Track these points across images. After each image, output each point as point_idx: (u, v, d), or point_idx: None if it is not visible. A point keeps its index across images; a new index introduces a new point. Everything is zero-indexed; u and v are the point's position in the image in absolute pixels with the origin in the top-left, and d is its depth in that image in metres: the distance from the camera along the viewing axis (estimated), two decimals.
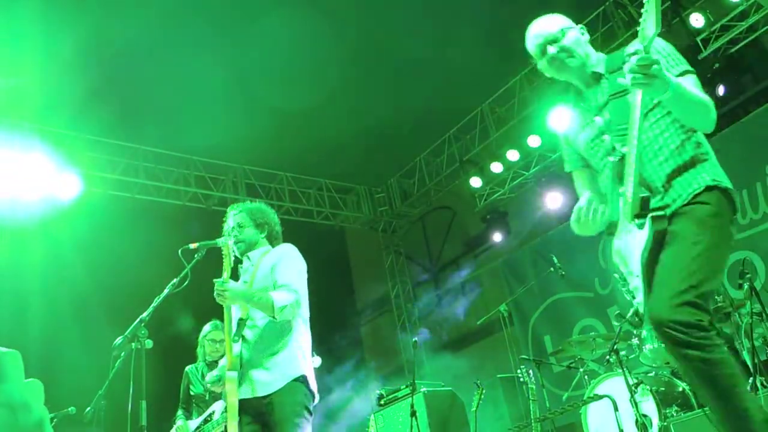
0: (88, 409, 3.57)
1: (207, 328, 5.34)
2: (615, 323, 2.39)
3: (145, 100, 7.81)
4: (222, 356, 5.13)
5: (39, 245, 7.77)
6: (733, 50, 7.36)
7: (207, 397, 5.13)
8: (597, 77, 2.70)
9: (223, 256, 3.45)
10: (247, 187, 9.70)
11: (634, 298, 2.52)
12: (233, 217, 3.72)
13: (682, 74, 2.51)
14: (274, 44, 7.51)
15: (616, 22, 7.97)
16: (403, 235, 11.75)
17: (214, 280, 3.32)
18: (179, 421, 5.10)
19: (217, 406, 4.92)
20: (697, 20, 7.32)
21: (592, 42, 8.19)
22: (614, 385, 5.01)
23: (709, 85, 7.71)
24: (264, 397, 3.28)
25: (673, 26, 7.64)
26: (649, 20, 2.30)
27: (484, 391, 6.06)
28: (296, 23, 7.30)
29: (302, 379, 3.31)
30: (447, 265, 11.15)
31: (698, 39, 7.37)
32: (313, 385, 3.40)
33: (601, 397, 4.94)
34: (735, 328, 4.89)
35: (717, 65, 7.42)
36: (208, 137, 8.64)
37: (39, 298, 7.67)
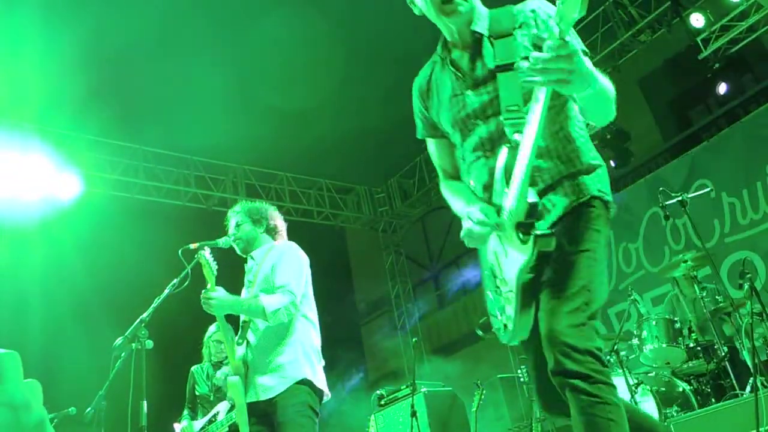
0: (89, 409, 3.57)
1: (212, 328, 5.35)
2: (479, 332, 2.00)
3: (145, 100, 7.81)
4: (227, 357, 5.16)
5: (39, 245, 7.78)
6: (733, 50, 7.37)
7: (212, 398, 5.15)
8: (477, 39, 2.15)
9: (202, 267, 3.42)
10: (247, 188, 9.70)
11: (501, 308, 2.17)
12: (233, 217, 3.73)
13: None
14: (273, 45, 7.52)
15: (616, 22, 7.97)
16: (404, 235, 11.75)
17: (202, 292, 3.33)
18: (184, 422, 5.11)
19: (221, 407, 4.92)
20: (697, 20, 7.32)
21: (593, 41, 8.19)
22: (614, 378, 4.99)
23: (710, 85, 7.73)
24: (269, 400, 3.28)
25: (673, 26, 7.65)
26: None
27: (484, 392, 6.06)
28: (296, 23, 7.30)
29: (305, 382, 3.30)
30: (447, 265, 11.15)
31: (698, 39, 7.37)
32: (320, 384, 3.38)
33: None
34: (735, 328, 4.90)
35: (717, 65, 7.43)
36: (208, 137, 8.65)
37: (39, 298, 7.68)
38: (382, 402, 6.75)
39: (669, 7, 7.54)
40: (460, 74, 2.20)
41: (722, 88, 7.52)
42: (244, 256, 3.68)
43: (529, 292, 2.06)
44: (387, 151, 9.97)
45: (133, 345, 3.16)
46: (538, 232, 1.95)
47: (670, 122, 8.58)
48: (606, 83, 1.95)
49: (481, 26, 2.15)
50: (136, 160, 8.77)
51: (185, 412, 5.22)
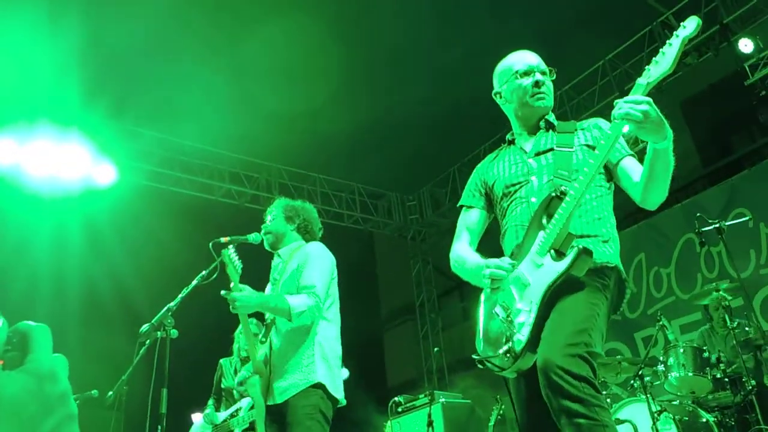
0: (110, 393, 3.62)
1: None
2: (476, 357, 2.15)
3: (183, 94, 7.91)
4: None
5: (79, 222, 8.00)
6: None
7: (235, 393, 5.20)
8: (548, 126, 2.68)
9: (226, 265, 3.35)
10: (280, 187, 9.78)
11: (513, 335, 2.34)
12: (270, 211, 3.75)
13: (630, 155, 2.53)
14: (311, 43, 7.54)
15: (663, 42, 7.84)
16: (432, 244, 11.72)
17: (222, 292, 3.27)
18: (207, 410, 5.19)
19: (243, 403, 4.97)
20: (746, 46, 7.18)
21: (638, 61, 8.12)
22: (636, 410, 4.92)
23: (755, 112, 7.57)
24: (284, 402, 3.28)
25: (720, 50, 7.52)
26: (669, 56, 2.24)
27: (503, 407, 6.00)
28: (332, 26, 7.33)
29: (319, 386, 3.28)
30: None
31: (746, 65, 7.23)
32: (335, 391, 3.35)
33: (622, 422, 4.86)
34: (764, 362, 4.79)
35: (764, 93, 7.27)
36: (244, 135, 8.74)
37: (77, 274, 7.90)
38: (399, 409, 6.74)
39: (717, 30, 7.41)
40: (523, 151, 2.67)
41: None
42: (272, 251, 3.70)
43: (545, 313, 2.26)
44: (421, 158, 9.97)
45: (159, 333, 3.18)
46: (582, 246, 2.25)
47: (711, 148, 8.42)
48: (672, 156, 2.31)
49: (553, 120, 2.70)
50: (173, 152, 8.90)
51: (210, 401, 5.28)
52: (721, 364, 5.00)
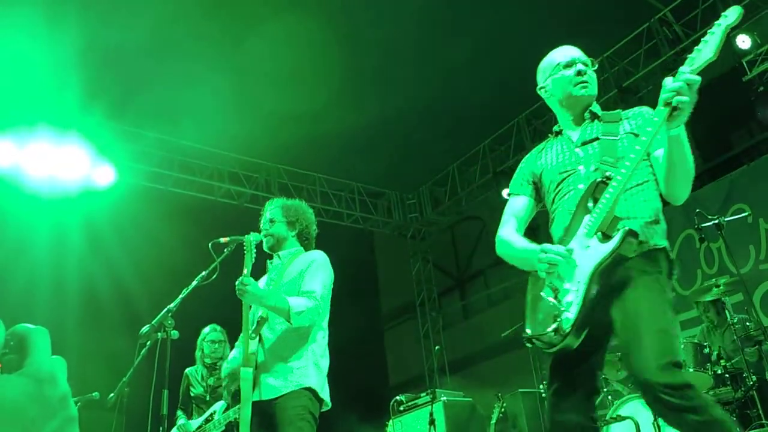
0: (111, 395, 3.61)
1: (206, 330, 5.40)
2: (524, 335, 2.17)
3: (181, 95, 7.90)
4: (220, 358, 5.20)
5: (78, 221, 8.01)
6: None
7: (207, 398, 5.18)
8: (593, 117, 2.72)
9: (245, 252, 3.39)
10: (280, 187, 9.77)
11: (561, 313, 2.39)
12: (268, 211, 3.72)
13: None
14: (310, 44, 7.54)
15: (660, 39, 7.85)
16: (432, 243, 11.72)
17: (242, 278, 3.30)
18: (180, 421, 5.14)
19: (217, 407, 4.96)
20: (743, 42, 7.18)
21: (635, 58, 8.16)
22: (638, 407, 4.92)
23: (753, 108, 7.57)
24: (271, 400, 3.26)
25: None
26: (711, 44, 2.26)
27: (504, 405, 6.00)
28: (331, 26, 7.32)
29: (310, 389, 3.27)
30: (474, 275, 11.08)
31: (744, 61, 7.23)
32: (324, 394, 3.35)
33: (623, 418, 4.86)
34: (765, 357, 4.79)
35: (761, 89, 7.27)
36: (243, 135, 8.73)
37: (77, 274, 7.90)
38: (401, 408, 6.74)
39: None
40: (569, 141, 2.73)
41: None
42: (270, 253, 3.68)
43: (597, 294, 2.34)
44: (420, 157, 9.97)
45: (159, 334, 3.17)
46: (628, 228, 2.31)
47: (710, 144, 8.41)
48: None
49: (598, 110, 2.74)
50: (171, 153, 8.89)
51: (179, 412, 5.24)
52: (721, 360, 5.01)
